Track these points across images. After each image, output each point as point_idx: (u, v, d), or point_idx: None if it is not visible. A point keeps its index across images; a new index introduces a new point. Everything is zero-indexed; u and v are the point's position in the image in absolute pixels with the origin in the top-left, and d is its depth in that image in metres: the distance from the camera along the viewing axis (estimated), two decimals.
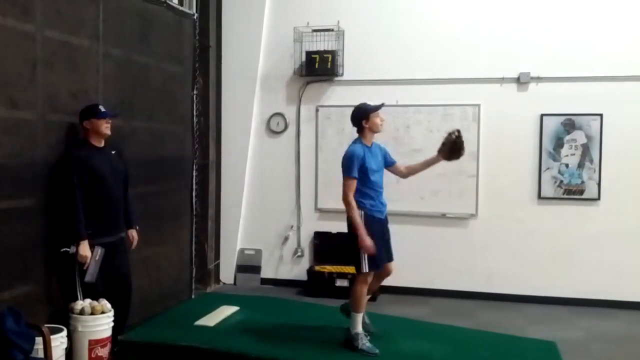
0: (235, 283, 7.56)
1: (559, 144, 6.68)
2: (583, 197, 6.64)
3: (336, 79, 7.20)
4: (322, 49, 7.09)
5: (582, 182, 6.64)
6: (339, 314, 5.04)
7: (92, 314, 4.29)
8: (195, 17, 6.53)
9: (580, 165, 6.63)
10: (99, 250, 4.40)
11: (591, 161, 6.60)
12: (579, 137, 6.63)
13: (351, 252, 4.55)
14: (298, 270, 7.40)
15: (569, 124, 6.65)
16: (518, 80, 6.76)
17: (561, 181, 6.70)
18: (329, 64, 7.02)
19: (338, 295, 6.34)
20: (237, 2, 7.44)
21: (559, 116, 6.66)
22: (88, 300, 4.36)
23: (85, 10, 4.70)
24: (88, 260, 4.34)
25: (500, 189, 6.83)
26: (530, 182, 6.77)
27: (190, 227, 6.52)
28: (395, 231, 6.86)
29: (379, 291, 6.85)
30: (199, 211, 6.84)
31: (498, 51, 6.78)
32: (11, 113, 4.00)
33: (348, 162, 4.51)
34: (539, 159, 6.73)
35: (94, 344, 4.27)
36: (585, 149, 6.62)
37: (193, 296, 6.50)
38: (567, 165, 6.67)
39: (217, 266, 7.57)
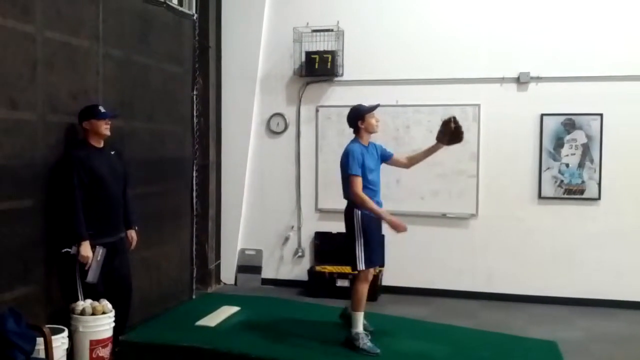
0: (236, 283, 7.56)
1: (559, 143, 6.68)
2: (583, 196, 6.64)
3: (336, 79, 7.20)
4: (321, 49, 7.09)
5: (583, 181, 6.64)
6: (342, 310, 5.04)
7: (93, 314, 4.29)
8: (195, 17, 6.53)
9: (581, 165, 6.63)
10: (100, 251, 4.41)
11: (591, 161, 6.60)
12: (579, 136, 6.63)
13: (348, 250, 4.59)
14: (299, 270, 7.40)
15: (569, 123, 6.65)
16: (518, 80, 6.76)
17: (561, 181, 6.70)
18: (329, 64, 7.02)
19: (339, 295, 6.35)
20: (237, 3, 7.44)
21: (559, 116, 6.66)
22: (89, 301, 4.36)
23: (85, 10, 4.70)
24: (90, 261, 4.35)
25: (501, 189, 6.83)
26: (531, 182, 6.77)
27: (191, 227, 6.53)
28: (396, 233, 6.92)
29: (379, 291, 6.88)
30: (199, 211, 6.85)
31: (498, 51, 6.78)
32: (11, 114, 4.00)
33: (349, 161, 4.57)
34: (539, 158, 6.73)
35: (95, 344, 4.27)
36: (586, 149, 6.62)
37: (194, 296, 6.51)
38: (567, 165, 6.67)
39: (218, 266, 7.57)
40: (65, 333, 4.09)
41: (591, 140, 6.60)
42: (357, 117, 4.72)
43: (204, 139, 7.09)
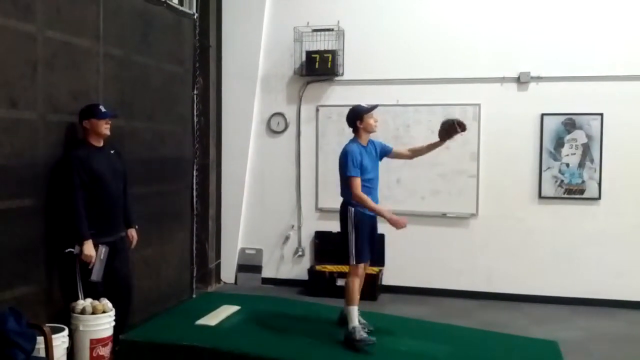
0: (236, 282, 7.56)
1: (559, 143, 6.68)
2: (583, 196, 6.64)
3: (336, 78, 7.21)
4: (322, 48, 7.10)
5: (583, 181, 6.64)
6: (339, 314, 5.05)
7: (93, 313, 4.30)
8: (195, 17, 6.53)
9: (581, 165, 6.63)
10: (103, 249, 4.42)
11: (592, 161, 6.61)
12: (580, 136, 6.64)
13: (343, 247, 4.71)
14: (299, 269, 7.41)
15: (570, 123, 6.65)
16: (518, 80, 6.76)
17: (562, 181, 6.70)
18: (329, 63, 7.03)
19: (339, 294, 6.28)
20: (237, 2, 7.44)
21: (559, 116, 6.66)
22: (89, 300, 4.37)
23: (85, 10, 4.71)
24: (93, 260, 4.35)
25: (501, 189, 6.83)
26: (531, 182, 6.77)
27: (191, 226, 6.53)
28: (396, 231, 6.91)
29: (379, 290, 6.88)
30: (199, 211, 6.85)
31: (498, 51, 6.78)
32: (11, 113, 4.01)
33: (346, 162, 4.64)
34: (539, 158, 6.73)
35: (95, 343, 4.28)
36: (586, 149, 6.62)
37: (194, 296, 6.51)
38: (567, 165, 6.67)
39: (218, 266, 7.57)
40: (66, 332, 4.09)
41: (591, 140, 6.60)
42: (356, 117, 4.76)
43: (204, 138, 7.10)
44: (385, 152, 4.96)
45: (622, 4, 6.52)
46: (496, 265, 6.85)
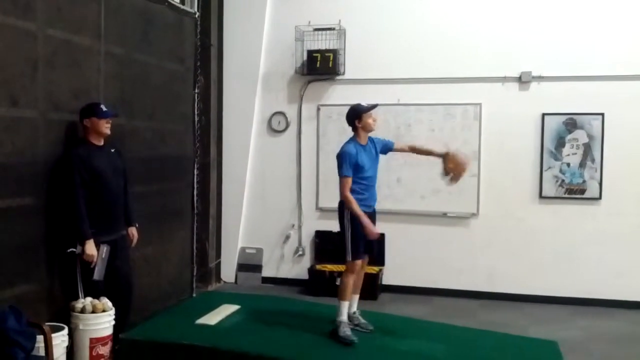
0: (236, 282, 7.56)
1: (560, 143, 6.67)
2: (584, 196, 6.64)
3: (337, 77, 7.20)
4: (323, 47, 7.09)
5: (584, 181, 6.63)
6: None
7: (93, 312, 4.30)
8: (196, 15, 6.53)
9: (582, 165, 6.63)
10: (104, 248, 4.42)
11: (593, 160, 6.60)
12: (581, 136, 6.63)
13: (340, 244, 4.80)
14: (299, 269, 7.40)
15: (571, 123, 6.65)
16: (520, 80, 6.76)
17: (562, 180, 6.69)
18: (331, 62, 7.02)
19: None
20: (239, 1, 7.43)
21: (560, 115, 6.65)
22: (89, 299, 4.37)
23: (86, 8, 4.71)
24: (95, 259, 4.35)
25: (502, 188, 6.83)
26: (532, 182, 6.77)
27: (192, 225, 6.54)
28: (396, 230, 6.96)
29: (379, 290, 6.88)
30: (200, 210, 6.85)
31: (500, 50, 6.77)
32: (12, 111, 4.01)
33: (342, 161, 4.71)
34: (540, 158, 6.72)
35: (95, 342, 4.28)
36: (587, 148, 6.62)
37: (194, 295, 6.51)
38: (568, 165, 6.66)
39: (218, 265, 7.57)
40: (66, 331, 4.09)
41: (592, 140, 6.59)
42: (355, 116, 4.80)
43: (205, 137, 7.09)
44: (387, 148, 4.99)
45: (623, 4, 6.50)
46: (497, 264, 6.85)
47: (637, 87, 6.46)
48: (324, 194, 7.26)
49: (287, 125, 7.40)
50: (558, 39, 6.64)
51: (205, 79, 7.11)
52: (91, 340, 4.27)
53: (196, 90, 6.57)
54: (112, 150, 4.67)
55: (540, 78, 6.69)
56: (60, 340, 3.98)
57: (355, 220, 4.71)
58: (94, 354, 4.27)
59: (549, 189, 6.72)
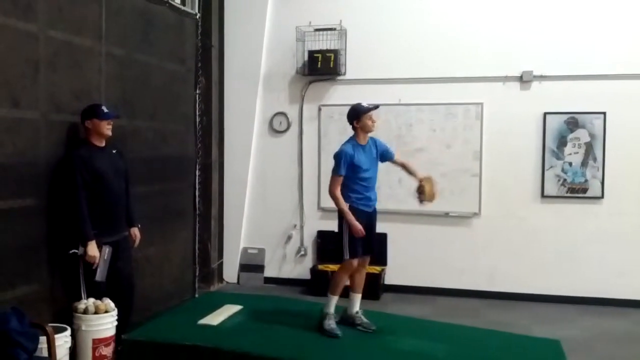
0: (238, 282, 7.56)
1: (562, 142, 6.67)
2: (586, 195, 6.63)
3: (338, 78, 7.20)
4: (324, 48, 7.09)
5: (586, 180, 6.62)
6: (341, 313, 5.06)
7: (95, 313, 4.30)
8: (197, 16, 6.53)
9: (584, 164, 6.62)
10: (107, 250, 4.43)
11: (594, 159, 6.59)
12: (582, 135, 6.62)
13: (338, 241, 4.85)
14: (301, 269, 7.40)
15: (572, 122, 6.64)
16: (521, 79, 6.75)
17: (564, 180, 6.69)
18: (332, 63, 7.02)
19: (341, 294, 6.31)
20: (240, 2, 7.44)
21: (562, 114, 6.65)
22: (92, 300, 4.37)
23: (87, 9, 4.71)
24: (97, 260, 4.36)
25: (504, 188, 6.82)
26: (534, 181, 6.76)
27: (193, 226, 6.54)
28: (398, 230, 6.95)
29: (382, 290, 6.88)
30: (201, 210, 6.85)
31: (501, 49, 6.77)
32: (14, 112, 4.01)
33: (337, 160, 4.78)
34: (542, 157, 6.72)
35: (97, 343, 4.28)
36: (589, 148, 6.61)
37: (196, 295, 6.51)
38: (570, 164, 6.66)
39: (220, 265, 7.57)
40: (68, 332, 4.10)
41: (594, 139, 6.59)
42: (354, 116, 4.82)
43: (206, 138, 7.10)
44: (386, 157, 5.02)
45: (625, 3, 6.50)
46: (499, 264, 6.84)
47: (638, 86, 6.45)
48: (325, 194, 7.13)
49: (289, 125, 7.40)
50: (559, 38, 6.63)
51: (206, 80, 7.11)
52: (94, 341, 4.27)
53: (197, 91, 6.57)
54: (114, 152, 4.68)
55: (541, 77, 6.69)
56: (63, 341, 3.98)
57: (356, 217, 4.72)
58: (96, 354, 4.27)
59: (551, 188, 6.71)
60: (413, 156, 6.94)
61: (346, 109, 4.97)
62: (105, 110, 4.50)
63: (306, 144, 7.38)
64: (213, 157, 7.37)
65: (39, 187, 4.25)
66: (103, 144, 4.54)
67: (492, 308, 6.49)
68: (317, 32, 7.14)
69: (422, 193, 4.98)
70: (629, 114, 6.48)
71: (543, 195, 6.74)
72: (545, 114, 6.68)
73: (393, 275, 7.05)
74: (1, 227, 3.91)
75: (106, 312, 4.35)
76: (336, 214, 4.92)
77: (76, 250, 4.34)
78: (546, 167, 6.71)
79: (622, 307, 6.42)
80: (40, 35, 4.21)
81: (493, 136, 6.81)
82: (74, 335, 4.19)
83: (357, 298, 5.00)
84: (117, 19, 5.04)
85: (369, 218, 4.86)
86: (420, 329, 5.19)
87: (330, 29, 7.10)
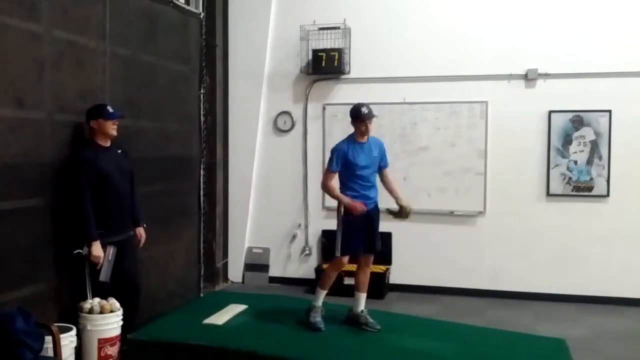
0: (243, 281, 7.57)
1: (567, 140, 6.65)
2: (592, 194, 6.61)
3: (343, 77, 7.20)
4: (328, 47, 7.09)
5: (591, 178, 6.60)
6: (346, 312, 5.07)
7: (101, 312, 4.31)
8: (201, 16, 6.53)
9: (589, 162, 6.60)
10: (111, 250, 4.43)
11: (600, 158, 6.57)
12: (588, 133, 6.60)
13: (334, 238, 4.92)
14: (306, 268, 7.41)
15: (578, 120, 6.62)
16: (526, 77, 6.73)
17: (570, 178, 6.67)
18: (336, 62, 7.02)
19: (346, 293, 6.30)
20: (244, 1, 7.44)
21: (567, 113, 6.63)
22: (97, 299, 4.38)
23: (91, 10, 4.71)
24: (101, 261, 4.36)
25: (509, 186, 6.80)
26: (539, 179, 6.74)
27: (198, 226, 6.54)
28: (403, 229, 6.94)
29: (386, 289, 6.87)
30: (206, 210, 6.85)
31: (505, 48, 6.75)
32: (18, 113, 4.02)
33: (330, 156, 4.90)
34: (547, 155, 6.70)
35: (103, 342, 4.29)
36: (594, 146, 6.59)
37: (201, 295, 6.52)
38: (575, 162, 6.64)
39: (225, 265, 7.58)
40: (74, 331, 4.11)
41: (599, 137, 6.56)
42: (352, 117, 4.87)
43: (210, 137, 7.10)
44: (380, 166, 5.01)
45: (629, 0, 6.47)
46: (504, 263, 6.83)
47: None
48: None
49: (293, 124, 7.40)
50: (564, 36, 6.61)
51: (210, 80, 7.11)
52: (99, 340, 4.28)
53: (202, 91, 6.57)
54: (119, 151, 4.68)
55: (546, 75, 6.67)
56: (68, 340, 3.99)
57: (347, 218, 4.77)
58: (102, 354, 4.28)
59: (556, 186, 6.69)
60: (418, 155, 6.97)
61: (350, 108, 4.97)
62: (111, 110, 4.50)
63: (310, 143, 7.38)
64: (217, 157, 7.38)
65: (44, 187, 4.25)
66: (108, 144, 4.55)
67: (497, 307, 6.48)
68: (321, 31, 7.13)
69: (399, 216, 4.96)
70: (634, 111, 6.46)
71: (548, 194, 6.72)
72: (550, 112, 6.66)
73: (398, 274, 7.04)
74: (6, 227, 3.92)
75: (111, 311, 4.35)
76: None
77: (80, 250, 4.34)
78: (551, 165, 6.69)
79: (627, 306, 6.40)
80: (44, 36, 4.21)
81: (498, 134, 6.80)
82: (79, 335, 4.20)
83: (362, 297, 5.00)
84: (121, 19, 5.04)
85: (367, 216, 4.85)
86: (425, 328, 5.18)
87: (335, 28, 7.10)
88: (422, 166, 6.93)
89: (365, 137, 4.85)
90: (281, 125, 7.44)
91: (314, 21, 7.16)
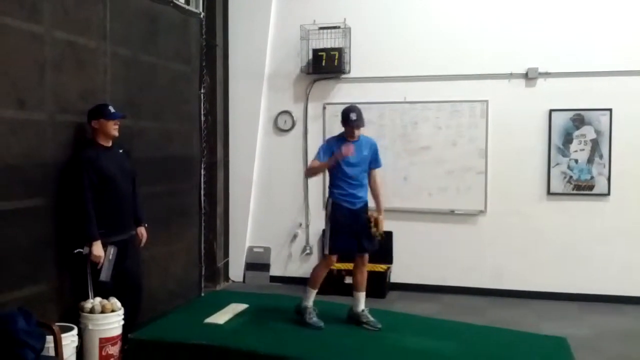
0: (244, 281, 7.58)
1: (568, 139, 6.65)
2: (593, 192, 6.61)
3: (343, 76, 7.20)
4: (328, 46, 7.09)
5: (592, 177, 6.60)
6: (347, 311, 5.08)
7: (102, 312, 4.31)
8: (202, 16, 6.54)
9: (590, 161, 6.60)
10: (112, 250, 4.44)
11: (601, 156, 6.57)
12: (588, 132, 6.60)
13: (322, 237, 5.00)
14: (307, 267, 7.38)
15: (578, 119, 6.62)
16: (526, 76, 6.73)
17: (570, 177, 6.67)
18: (336, 61, 7.02)
19: (347, 292, 6.30)
20: (244, 1, 7.44)
21: (567, 111, 6.63)
22: (98, 299, 4.38)
23: (92, 10, 4.72)
24: (102, 260, 4.37)
25: (509, 185, 6.81)
26: (540, 178, 6.74)
27: (199, 225, 6.54)
28: (404, 228, 6.95)
29: (388, 288, 6.88)
30: (207, 210, 6.86)
31: (506, 47, 6.75)
32: (20, 114, 4.02)
33: (318, 150, 4.98)
34: (547, 154, 6.70)
35: (104, 342, 4.29)
36: (595, 144, 6.59)
37: (202, 294, 6.52)
38: (576, 161, 6.64)
39: (226, 264, 7.59)
40: (75, 331, 4.11)
41: (600, 136, 6.56)
42: (341, 119, 4.88)
43: (211, 137, 7.11)
44: (371, 165, 4.99)
45: (629, 0, 6.49)
46: (505, 262, 6.83)
47: None
48: None
49: (293, 124, 7.41)
50: (564, 34, 6.61)
51: (211, 79, 7.12)
52: (101, 340, 4.28)
53: (202, 91, 6.57)
54: (121, 151, 4.69)
55: (547, 74, 6.67)
56: (69, 340, 3.99)
57: (337, 214, 4.81)
58: (103, 353, 4.29)
59: (557, 185, 6.69)
60: (418, 154, 6.97)
61: None
62: (112, 110, 4.51)
63: (311, 142, 7.37)
64: (218, 156, 7.38)
65: (46, 187, 4.26)
66: (110, 144, 4.56)
67: (499, 305, 6.49)
68: (321, 31, 7.14)
69: (376, 227, 4.90)
70: (635, 110, 6.46)
71: (549, 193, 6.72)
72: (550, 111, 6.67)
73: (399, 273, 7.04)
74: (8, 228, 3.93)
75: (112, 311, 4.36)
76: None
77: (80, 250, 4.35)
78: (552, 164, 6.69)
79: (629, 305, 6.40)
80: (45, 37, 4.22)
81: (498, 134, 6.79)
82: (80, 335, 4.20)
83: (361, 296, 5.01)
84: (121, 19, 5.04)
85: (354, 215, 4.87)
86: (426, 327, 5.19)
87: (335, 27, 7.10)
88: (423, 165, 6.93)
89: (357, 137, 4.86)
90: (282, 124, 7.45)
91: (314, 21, 7.16)
